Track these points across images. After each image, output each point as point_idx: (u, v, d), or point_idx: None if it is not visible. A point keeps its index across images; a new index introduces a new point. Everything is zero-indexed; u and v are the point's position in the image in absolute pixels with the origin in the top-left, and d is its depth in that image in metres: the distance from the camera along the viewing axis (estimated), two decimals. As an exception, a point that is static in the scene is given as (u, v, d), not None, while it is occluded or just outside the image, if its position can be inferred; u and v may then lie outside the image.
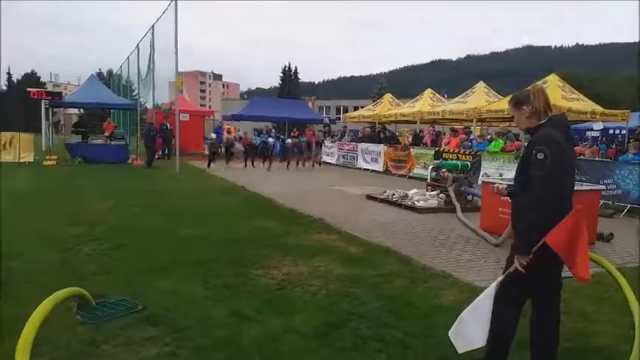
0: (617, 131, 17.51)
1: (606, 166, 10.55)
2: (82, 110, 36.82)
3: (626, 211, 9.90)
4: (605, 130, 17.07)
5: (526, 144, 2.98)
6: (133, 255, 5.67)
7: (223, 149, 19.34)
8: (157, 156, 21.72)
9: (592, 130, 16.75)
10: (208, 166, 18.09)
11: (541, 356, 2.88)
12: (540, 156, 2.62)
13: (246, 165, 18.90)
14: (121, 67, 32.51)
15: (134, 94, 27.91)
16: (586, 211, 7.41)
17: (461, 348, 2.86)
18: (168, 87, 23.36)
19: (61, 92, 24.29)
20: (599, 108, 14.29)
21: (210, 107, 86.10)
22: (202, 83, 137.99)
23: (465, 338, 2.82)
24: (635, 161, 10.24)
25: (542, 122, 2.81)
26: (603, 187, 8.77)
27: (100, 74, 53.62)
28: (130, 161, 19.11)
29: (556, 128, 2.76)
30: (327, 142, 23.00)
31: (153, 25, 20.13)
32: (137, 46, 24.20)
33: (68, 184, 12.34)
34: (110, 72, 56.63)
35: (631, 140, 12.09)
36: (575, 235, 2.61)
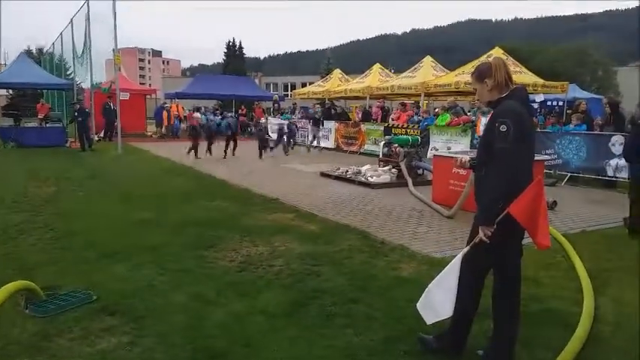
0: (555, 103, 18.31)
1: (547, 137, 11.02)
2: (10, 91, 34.47)
3: (566, 179, 10.43)
4: (543, 102, 17.79)
5: (486, 118, 3.03)
6: (82, 242, 5.41)
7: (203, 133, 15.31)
8: (96, 138, 20.79)
9: (534, 102, 17.38)
10: (196, 155, 14.29)
11: (502, 323, 2.97)
12: (503, 128, 2.65)
13: (210, 152, 14.82)
14: (53, 44, 30.54)
15: (69, 73, 26.38)
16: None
17: (429, 319, 2.91)
18: (105, 65, 22.23)
19: (-13, 72, 22.60)
20: (540, 80, 14.82)
21: (150, 85, 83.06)
22: (141, 60, 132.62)
23: (433, 310, 2.88)
24: (575, 131, 10.74)
25: (503, 95, 2.84)
26: (547, 157, 9.16)
27: (29, 52, 50.13)
28: (67, 144, 18.13)
29: (517, 100, 2.78)
30: (275, 120, 22.72)
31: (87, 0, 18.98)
32: (71, 20, 22.78)
33: (3, 170, 11.57)
34: (41, 49, 53.13)
35: (568, 111, 12.68)
36: (536, 205, 2.66)
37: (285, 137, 16.39)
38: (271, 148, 15.56)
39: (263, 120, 21.27)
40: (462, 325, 3.03)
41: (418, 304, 2.97)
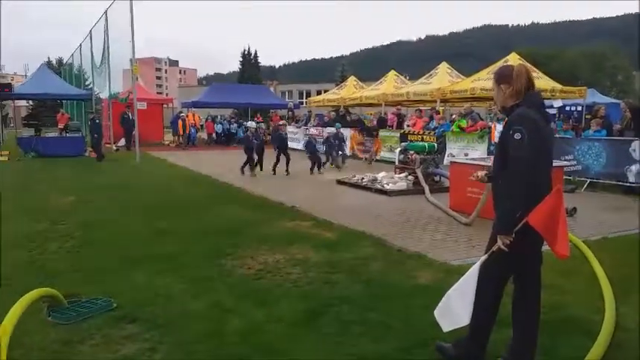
0: (573, 108, 18.10)
1: (567, 142, 10.89)
2: (31, 102, 35.17)
3: (586, 185, 10.28)
4: (561, 107, 17.60)
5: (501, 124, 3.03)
6: (103, 251, 5.50)
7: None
8: (114, 147, 21.12)
9: (552, 107, 17.20)
10: (251, 169, 12.58)
11: (522, 332, 2.94)
12: (517, 136, 2.62)
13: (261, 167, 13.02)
14: (72, 55, 31.18)
15: (87, 83, 26.88)
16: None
17: (446, 326, 2.89)
18: (122, 75, 22.57)
19: (10, 83, 23.15)
20: (558, 85, 14.69)
21: (167, 95, 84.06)
22: (158, 70, 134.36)
23: (450, 317, 2.85)
24: (595, 137, 10.60)
25: (518, 102, 2.80)
26: (567, 163, 9.05)
27: (49, 63, 51.21)
28: (87, 154, 18.44)
29: (532, 107, 2.75)
30: (292, 127, 22.82)
31: (106, 11, 19.37)
32: (90, 33, 23.26)
33: (25, 179, 11.81)
34: (60, 61, 54.27)
35: (587, 116, 12.52)
36: (555, 214, 2.63)
37: (335, 149, 14.40)
38: (323, 164, 13.63)
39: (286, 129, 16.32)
40: (480, 334, 3.01)
41: (436, 311, 2.95)
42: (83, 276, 4.68)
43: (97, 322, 3.64)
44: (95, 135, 17.04)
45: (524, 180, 2.63)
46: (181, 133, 23.51)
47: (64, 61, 43.03)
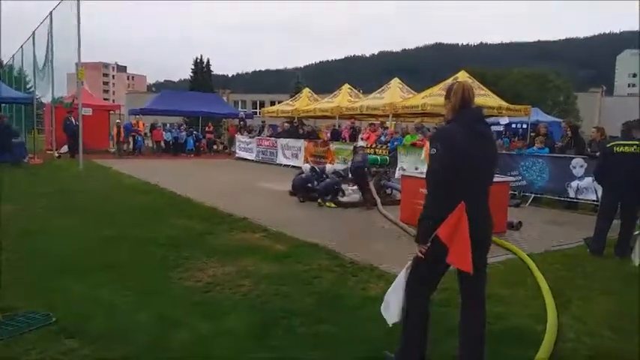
0: (519, 125, 18.92)
1: (512, 159, 11.34)
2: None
3: (530, 200, 10.72)
4: (508, 124, 18.37)
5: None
6: (42, 261, 5.20)
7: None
8: (56, 154, 20.23)
9: (499, 124, 17.91)
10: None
11: (467, 340, 3.00)
12: (433, 151, 2.81)
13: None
14: (13, 56, 29.71)
15: (29, 87, 25.67)
16: (497, 201, 7.88)
17: (389, 321, 3.12)
18: (67, 79, 21.70)
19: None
20: (504, 103, 15.32)
21: (114, 101, 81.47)
22: (105, 75, 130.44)
23: (390, 312, 3.10)
24: (539, 154, 11.09)
25: (453, 117, 2.94)
26: (512, 178, 9.39)
27: (-14, 64, 48.59)
28: (26, 160, 17.54)
29: (461, 124, 2.86)
30: (244, 138, 22.64)
31: (51, 12, 18.60)
32: (33, 33, 22.25)
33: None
34: (-1, 62, 51.67)
35: (532, 134, 13.09)
36: (458, 229, 2.74)
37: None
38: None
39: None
40: (412, 335, 3.04)
41: (381, 307, 3.20)
42: (20, 289, 4.39)
43: (34, 337, 3.43)
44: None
45: (435, 192, 2.82)
46: (116, 140, 22.44)
47: (4, 63, 40.94)
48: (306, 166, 11.27)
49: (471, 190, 2.84)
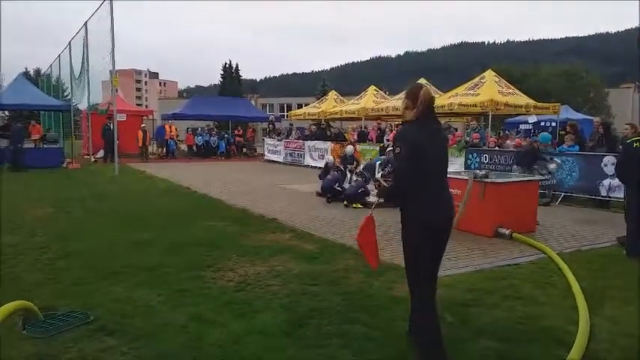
0: (548, 123, 18.53)
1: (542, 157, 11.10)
2: (6, 113, 34.51)
3: (560, 199, 10.52)
4: (537, 123, 18.00)
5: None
6: (80, 263, 5.42)
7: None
8: (93, 159, 20.88)
9: (527, 122, 17.57)
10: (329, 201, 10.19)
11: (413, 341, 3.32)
12: (397, 150, 3.15)
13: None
14: (50, 66, 30.78)
15: (66, 94, 26.54)
16: (526, 200, 7.77)
17: None
18: (101, 86, 22.32)
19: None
20: (532, 101, 15.02)
21: (146, 107, 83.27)
22: (138, 82, 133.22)
23: None
24: (569, 152, 10.86)
25: (411, 119, 3.21)
26: (540, 177, 9.24)
27: (26, 74, 50.39)
28: (64, 165, 18.17)
29: (421, 126, 3.15)
30: (272, 140, 22.89)
31: (86, 23, 19.23)
32: (69, 43, 23.04)
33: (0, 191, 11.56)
34: (38, 71, 53.53)
35: (561, 132, 12.81)
36: (367, 234, 3.56)
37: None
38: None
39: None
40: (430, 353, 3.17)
41: None
42: (60, 288, 4.60)
43: (74, 335, 3.58)
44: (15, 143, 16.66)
45: (398, 184, 3.21)
46: (140, 144, 22.70)
47: (42, 72, 42.42)
48: (329, 158, 12.96)
49: (433, 181, 3.18)
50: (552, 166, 9.96)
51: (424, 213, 3.13)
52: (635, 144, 6.09)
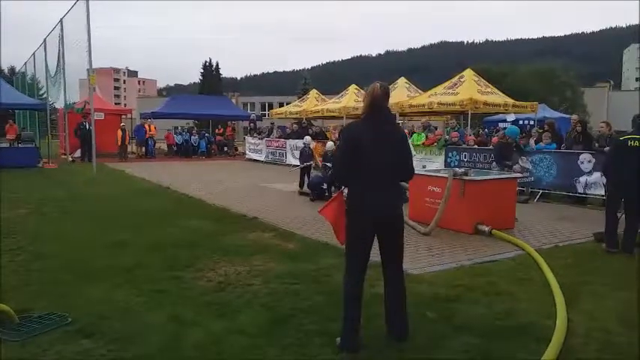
0: (526, 122, 18.82)
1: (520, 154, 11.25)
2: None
3: (538, 196, 10.68)
4: (515, 122, 18.24)
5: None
6: (57, 264, 5.31)
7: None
8: (70, 158, 20.49)
9: (505, 121, 17.80)
10: (301, 188, 11.50)
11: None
12: (339, 142, 3.66)
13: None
14: (25, 64, 30.10)
15: (41, 93, 26.00)
16: (505, 197, 7.88)
17: None
18: (78, 85, 21.90)
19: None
20: (510, 100, 15.25)
21: (125, 105, 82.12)
22: (116, 80, 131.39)
23: None
24: (547, 150, 11.03)
25: (362, 115, 3.49)
26: (519, 174, 9.37)
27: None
28: (40, 165, 17.81)
29: (366, 122, 3.40)
30: (254, 139, 22.77)
31: (61, 20, 18.83)
32: (44, 41, 22.54)
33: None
34: (12, 69, 52.33)
35: (539, 131, 13.01)
36: (339, 210, 3.64)
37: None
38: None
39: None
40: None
41: None
42: (36, 290, 4.50)
43: (51, 338, 3.51)
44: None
45: (336, 172, 3.72)
46: (119, 143, 22.28)
47: (17, 70, 41.51)
48: (307, 138, 13.09)
49: (370, 176, 3.33)
50: (516, 166, 10.06)
51: (356, 203, 3.35)
52: (630, 142, 6.00)
